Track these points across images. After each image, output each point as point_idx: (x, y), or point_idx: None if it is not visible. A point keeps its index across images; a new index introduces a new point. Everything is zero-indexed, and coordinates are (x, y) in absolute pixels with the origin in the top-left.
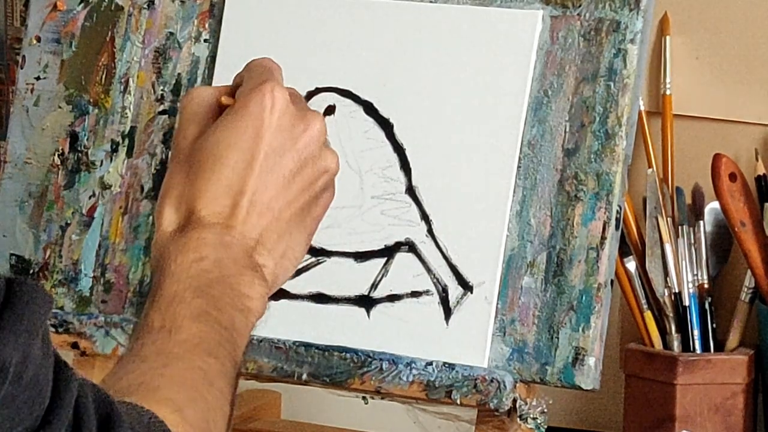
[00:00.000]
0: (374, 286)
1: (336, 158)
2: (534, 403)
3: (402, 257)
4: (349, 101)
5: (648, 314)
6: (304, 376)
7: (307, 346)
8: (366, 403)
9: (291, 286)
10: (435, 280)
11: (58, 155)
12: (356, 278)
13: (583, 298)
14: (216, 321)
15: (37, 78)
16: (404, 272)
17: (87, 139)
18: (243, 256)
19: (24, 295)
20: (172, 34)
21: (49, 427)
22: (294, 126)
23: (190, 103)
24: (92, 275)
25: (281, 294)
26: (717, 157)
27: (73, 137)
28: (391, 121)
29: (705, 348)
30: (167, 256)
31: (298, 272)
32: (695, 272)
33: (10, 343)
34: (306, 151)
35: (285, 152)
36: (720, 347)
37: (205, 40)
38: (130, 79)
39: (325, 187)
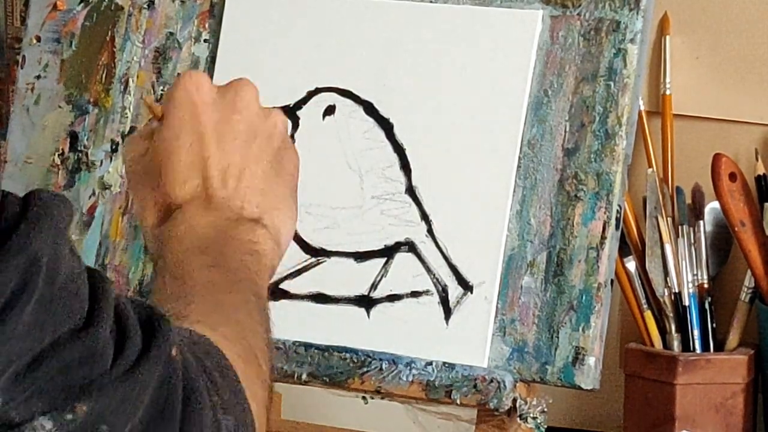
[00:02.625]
0: (374, 286)
1: (280, 113)
2: (534, 402)
3: (402, 257)
4: (349, 101)
5: (648, 314)
6: (304, 376)
7: (307, 346)
8: (366, 403)
9: (291, 286)
10: (435, 280)
11: (59, 155)
12: (356, 278)
13: (583, 297)
14: (226, 268)
15: (37, 77)
16: (404, 272)
17: (87, 139)
18: (234, 215)
19: (44, 199)
20: (172, 34)
21: (93, 327)
22: (224, 95)
23: (126, 148)
24: None
25: (281, 294)
26: (717, 157)
27: (74, 137)
28: (391, 121)
29: (705, 348)
30: (161, 238)
31: (298, 272)
32: (695, 272)
33: (39, 238)
34: (248, 111)
35: (228, 118)
36: (720, 347)
37: (205, 40)
38: (130, 79)
39: (284, 145)
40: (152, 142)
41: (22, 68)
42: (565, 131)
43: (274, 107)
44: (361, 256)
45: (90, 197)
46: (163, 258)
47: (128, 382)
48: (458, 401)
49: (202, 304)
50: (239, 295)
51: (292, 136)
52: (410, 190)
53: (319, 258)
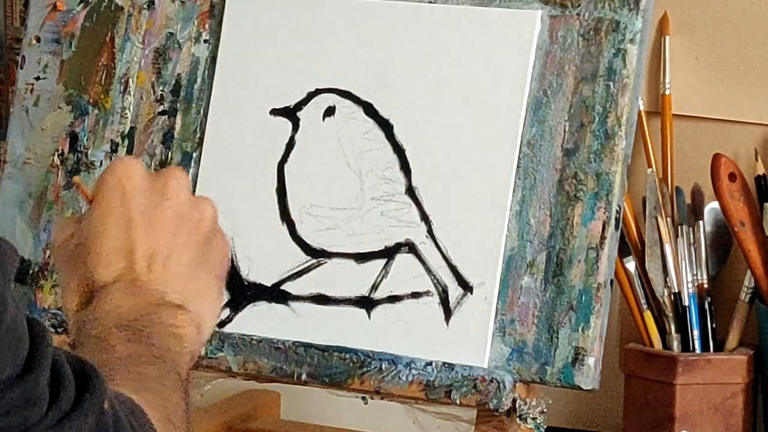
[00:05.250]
0: (375, 287)
1: (209, 203)
2: (533, 403)
3: (402, 258)
4: (349, 102)
5: (647, 314)
6: (304, 377)
7: (307, 346)
8: (365, 403)
9: (292, 288)
10: (435, 281)
11: (58, 155)
12: (357, 279)
13: (583, 298)
14: (146, 344)
15: (37, 78)
16: (404, 273)
17: (87, 140)
18: (157, 299)
19: None
20: (172, 34)
21: (32, 373)
22: (154, 183)
23: (54, 230)
24: None
25: (282, 296)
26: (716, 157)
27: (73, 137)
28: (391, 122)
29: (704, 348)
30: (84, 318)
31: (299, 274)
32: (695, 272)
33: None
34: (177, 199)
35: (157, 205)
36: (719, 347)
37: (205, 41)
38: (130, 80)
39: (212, 233)
40: (79, 225)
41: (21, 69)
42: (565, 131)
43: (204, 197)
44: (361, 257)
45: None
46: (83, 341)
47: (62, 431)
48: (458, 401)
49: (123, 372)
50: (159, 370)
51: (293, 138)
52: (410, 191)
53: (319, 259)
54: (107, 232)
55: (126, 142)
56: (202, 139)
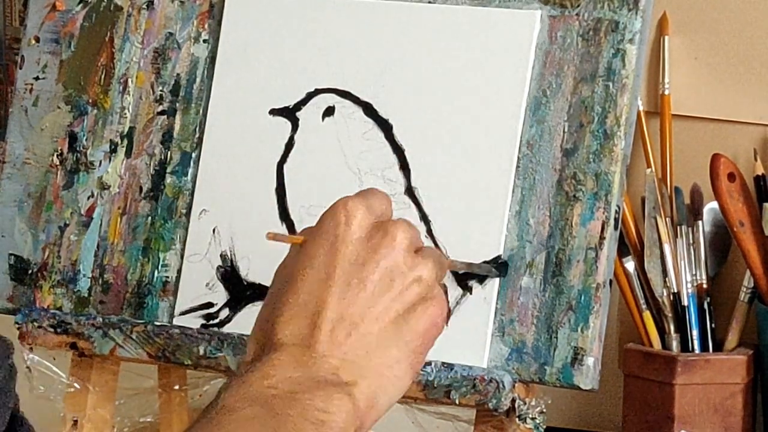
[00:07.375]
0: None
1: (429, 264)
2: (533, 403)
3: None
4: (348, 102)
5: (647, 314)
6: None
7: None
8: None
9: None
10: None
11: (57, 155)
12: None
13: (582, 298)
14: (270, 427)
15: (36, 78)
16: None
17: (86, 140)
18: (324, 374)
19: None
20: (171, 34)
21: None
22: (372, 235)
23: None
24: (91, 276)
25: None
26: (716, 157)
27: (72, 137)
28: (391, 122)
29: (704, 348)
30: (232, 379)
31: None
32: (694, 272)
33: None
34: (388, 259)
35: (365, 264)
36: (719, 347)
37: (205, 41)
38: (129, 80)
39: (424, 298)
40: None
41: (20, 69)
42: (564, 131)
43: (431, 253)
44: None
45: (89, 198)
46: (217, 400)
47: None
48: (457, 401)
49: None
50: None
51: (292, 138)
52: (409, 191)
53: None
54: (303, 281)
55: (125, 142)
56: (201, 139)
